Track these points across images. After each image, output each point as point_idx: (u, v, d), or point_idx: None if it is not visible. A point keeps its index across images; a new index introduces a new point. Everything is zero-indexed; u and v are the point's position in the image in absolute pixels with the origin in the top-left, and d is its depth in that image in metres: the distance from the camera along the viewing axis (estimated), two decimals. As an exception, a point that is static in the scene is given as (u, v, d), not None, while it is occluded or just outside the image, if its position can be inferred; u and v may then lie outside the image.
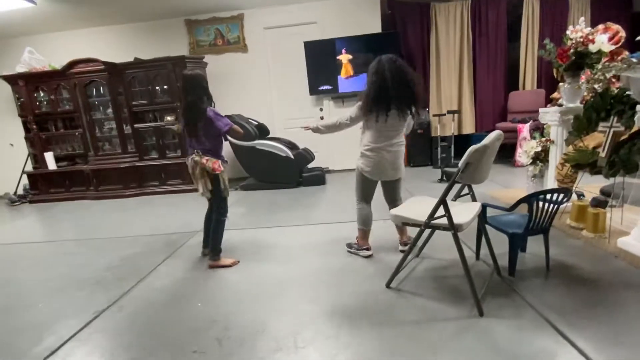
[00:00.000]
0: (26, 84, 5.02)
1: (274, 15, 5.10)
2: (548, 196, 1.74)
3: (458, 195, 1.90)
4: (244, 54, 5.28)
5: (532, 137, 3.87)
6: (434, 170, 4.85)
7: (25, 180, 5.42)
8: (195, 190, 2.38)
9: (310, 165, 4.94)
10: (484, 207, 1.90)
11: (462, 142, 5.50)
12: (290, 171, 4.68)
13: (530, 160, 2.93)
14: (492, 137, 1.54)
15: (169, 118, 5.00)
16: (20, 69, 5.00)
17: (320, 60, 4.98)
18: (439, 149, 5.04)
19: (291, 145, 4.90)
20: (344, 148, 5.26)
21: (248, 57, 5.28)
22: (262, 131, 4.91)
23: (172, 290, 2.12)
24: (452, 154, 5.03)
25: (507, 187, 3.73)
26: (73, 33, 5.32)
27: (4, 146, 5.73)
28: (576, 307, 1.60)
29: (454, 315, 1.60)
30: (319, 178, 4.77)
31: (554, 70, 3.85)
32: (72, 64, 4.82)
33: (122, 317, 1.85)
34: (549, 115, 2.79)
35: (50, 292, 2.25)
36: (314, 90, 5.14)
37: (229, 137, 2.47)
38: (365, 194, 2.29)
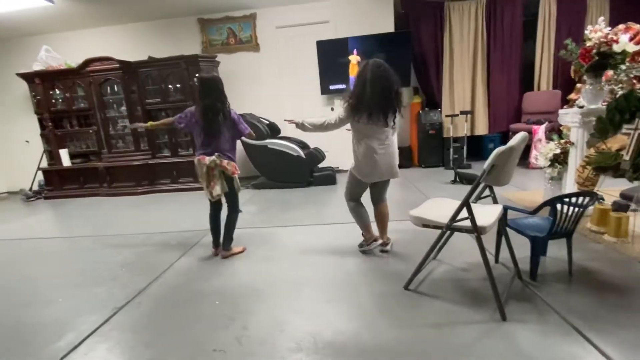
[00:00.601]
0: (42, 82, 5.10)
1: (287, 15, 5.10)
2: (573, 199, 1.70)
3: (478, 197, 1.87)
4: (256, 53, 5.30)
5: (549, 139, 3.81)
6: (446, 172, 4.80)
7: (40, 176, 5.51)
8: (201, 189, 2.44)
9: (320, 165, 4.93)
10: (505, 209, 1.87)
11: (475, 143, 5.45)
12: (301, 170, 4.67)
13: (549, 163, 2.87)
14: (518, 139, 1.51)
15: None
16: (37, 67, 5.08)
17: (333, 60, 4.97)
18: (451, 149, 4.99)
19: (302, 145, 4.90)
20: (355, 148, 5.25)
21: (260, 56, 5.29)
22: (273, 130, 4.91)
23: (189, 287, 2.13)
24: (465, 155, 4.98)
25: (522, 189, 3.67)
26: (89, 32, 5.39)
27: (20, 143, 5.84)
28: (601, 312, 1.57)
29: (476, 319, 1.58)
30: (329, 178, 4.76)
31: (572, 71, 3.78)
32: (88, 62, 4.88)
33: (140, 314, 1.87)
34: (569, 117, 2.74)
35: (68, 288, 2.28)
36: (325, 89, 5.13)
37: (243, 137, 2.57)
38: (356, 194, 2.36)
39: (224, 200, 2.50)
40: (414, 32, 5.05)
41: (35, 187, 5.58)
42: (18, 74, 5.15)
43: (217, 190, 2.36)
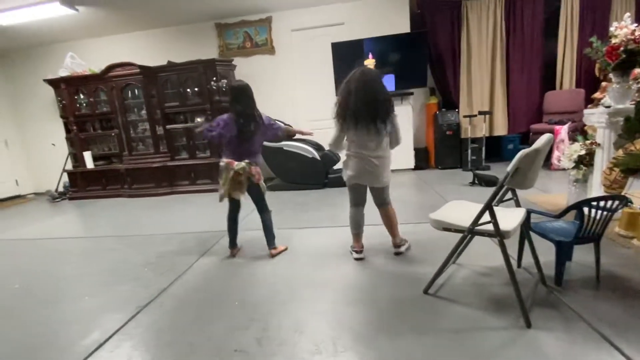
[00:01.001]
0: (67, 87, 5.32)
1: (302, 17, 5.13)
2: (601, 203, 1.64)
3: (500, 200, 1.83)
4: (272, 56, 5.35)
5: (572, 140, 3.69)
6: (464, 173, 4.72)
7: (65, 178, 5.73)
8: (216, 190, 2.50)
9: (335, 167, 4.93)
10: (529, 213, 1.82)
11: (494, 143, 5.34)
12: (316, 172, 4.69)
13: (573, 164, 2.78)
14: (543, 141, 1.47)
15: (198, 119, 5.13)
16: (63, 73, 5.30)
17: (348, 61, 4.91)
18: (469, 150, 4.90)
19: (317, 147, 4.91)
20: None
21: (275, 59, 5.34)
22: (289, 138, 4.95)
23: (209, 288, 2.17)
24: (483, 156, 4.88)
25: (544, 191, 3.57)
26: (111, 38, 5.58)
27: (47, 146, 6.09)
28: (632, 321, 1.50)
29: (499, 326, 1.54)
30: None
31: (596, 69, 3.65)
32: (110, 67, 5.05)
33: (163, 313, 1.91)
34: (594, 117, 2.64)
35: (94, 286, 2.36)
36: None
37: None
38: (353, 199, 2.33)
39: (243, 201, 2.52)
40: (430, 32, 5.00)
41: (61, 189, 5.81)
42: (45, 80, 5.39)
43: (238, 195, 2.41)
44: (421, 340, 1.49)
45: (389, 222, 2.34)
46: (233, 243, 2.62)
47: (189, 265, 2.53)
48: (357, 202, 2.33)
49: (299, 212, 3.69)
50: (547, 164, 4.49)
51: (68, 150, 5.73)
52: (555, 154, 4.35)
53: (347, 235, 2.84)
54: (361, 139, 2.13)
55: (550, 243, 1.81)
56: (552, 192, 3.51)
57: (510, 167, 1.44)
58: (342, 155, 2.31)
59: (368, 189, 2.32)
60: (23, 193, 6.17)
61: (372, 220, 2.52)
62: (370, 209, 2.38)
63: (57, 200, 5.58)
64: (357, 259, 2.34)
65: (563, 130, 4.24)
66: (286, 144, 4.64)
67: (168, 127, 5.16)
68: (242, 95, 2.37)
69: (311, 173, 4.66)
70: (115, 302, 2.08)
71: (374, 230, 2.89)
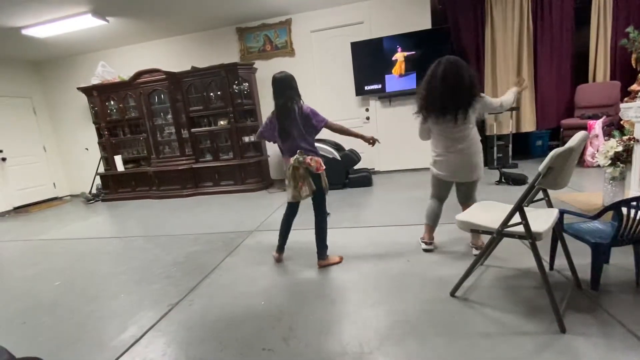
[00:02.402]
0: (99, 95, 5.59)
1: (321, 18, 5.15)
2: (642, 203, 1.55)
3: (531, 200, 1.77)
4: (291, 58, 5.40)
5: (608, 135, 3.51)
6: (490, 172, 4.57)
7: (98, 180, 6.04)
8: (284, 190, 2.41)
9: (356, 167, 4.92)
10: (562, 213, 1.75)
11: (521, 140, 5.15)
12: (337, 172, 4.69)
13: (609, 162, 2.64)
14: (578, 139, 1.41)
15: (222, 122, 5.26)
16: (95, 81, 5.58)
17: (367, 60, 4.94)
18: (495, 148, 4.75)
19: (337, 147, 4.91)
20: (390, 149, 5.18)
21: (295, 60, 5.38)
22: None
23: (235, 287, 2.22)
24: (510, 153, 4.72)
25: (577, 190, 3.41)
26: (138, 46, 5.81)
27: (81, 151, 6.43)
28: (679, 329, 1.42)
29: (531, 330, 1.50)
30: (365, 179, 4.73)
31: (633, 60, 3.46)
32: (138, 74, 5.27)
33: (193, 311, 1.99)
34: (632, 111, 2.50)
35: (127, 284, 2.48)
36: (360, 90, 5.11)
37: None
38: (435, 192, 2.34)
39: (303, 202, 2.37)
40: (452, 28, 4.88)
41: (94, 191, 6.12)
42: (79, 88, 5.69)
43: (306, 190, 2.25)
44: (450, 344, 1.47)
45: None
46: (281, 248, 2.49)
47: (215, 264, 2.60)
48: (439, 197, 2.33)
49: (320, 212, 3.70)
50: (580, 160, 4.29)
51: (100, 155, 6.03)
52: (589, 150, 4.14)
53: (371, 235, 2.84)
54: (447, 131, 2.08)
55: (585, 245, 1.73)
56: (586, 191, 3.34)
57: (542, 166, 1.39)
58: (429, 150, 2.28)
59: (454, 185, 2.27)
60: (60, 195, 6.55)
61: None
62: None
63: (91, 202, 5.88)
64: (425, 250, 2.37)
65: (597, 125, 4.03)
66: (307, 145, 4.66)
67: (193, 130, 5.32)
68: (285, 87, 2.23)
69: (331, 173, 4.64)
70: (148, 300, 2.17)
71: (398, 229, 2.88)
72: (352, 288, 2.05)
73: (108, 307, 2.16)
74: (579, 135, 1.44)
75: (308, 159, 2.22)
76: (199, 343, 1.69)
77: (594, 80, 4.70)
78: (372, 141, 2.41)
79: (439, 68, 2.01)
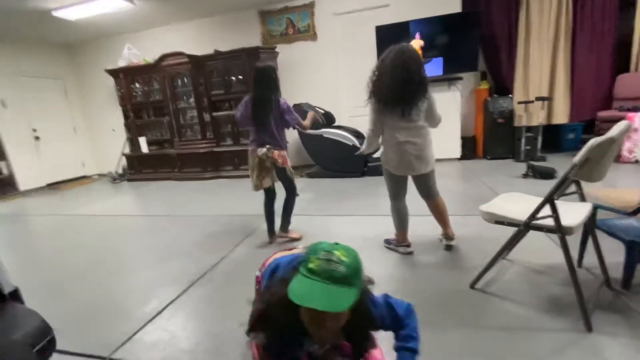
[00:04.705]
0: (125, 77, 5.72)
1: (345, 1, 5.01)
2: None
3: (562, 193, 1.68)
4: (313, 42, 5.31)
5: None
6: (516, 164, 4.40)
7: (124, 161, 6.25)
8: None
9: (375, 155, 4.84)
10: (595, 208, 1.66)
11: (551, 132, 4.89)
12: (356, 160, 4.64)
13: (650, 156, 2.47)
14: (621, 128, 1.31)
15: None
16: (121, 63, 5.70)
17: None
18: (523, 140, 4.54)
19: (357, 134, 4.84)
20: (412, 137, 5.06)
21: (317, 45, 5.30)
22: (328, 119, 4.92)
23: (253, 267, 2.20)
24: (539, 146, 4.50)
25: (611, 185, 3.22)
26: (163, 29, 5.87)
27: (108, 131, 6.66)
28: None
29: (555, 327, 1.44)
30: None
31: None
32: (162, 57, 5.34)
33: (212, 288, 2.04)
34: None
35: (151, 260, 2.57)
36: (383, 77, 4.97)
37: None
38: (393, 191, 2.19)
39: (279, 188, 2.57)
40: (483, 11, 4.63)
41: (120, 171, 6.35)
42: (106, 70, 5.84)
43: (267, 182, 2.46)
44: (469, 337, 1.44)
45: (441, 214, 2.20)
46: (271, 231, 2.63)
47: (235, 244, 2.66)
48: (398, 194, 2.20)
49: (337, 199, 3.69)
50: (616, 155, 4.04)
51: (126, 136, 6.22)
52: (627, 144, 3.90)
53: (388, 224, 2.80)
54: (397, 123, 2.00)
55: (617, 243, 1.64)
56: (621, 187, 3.16)
57: (578, 157, 1.31)
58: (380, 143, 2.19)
59: (410, 179, 2.20)
60: (88, 174, 6.84)
61: (417, 210, 2.44)
62: (411, 197, 2.30)
63: (117, 181, 6.11)
64: (404, 254, 2.24)
65: (637, 118, 3.77)
66: (326, 131, 4.63)
67: (214, 114, 5.38)
68: (264, 78, 2.33)
69: (351, 161, 4.62)
70: (170, 276, 2.25)
71: (418, 220, 2.83)
72: (372, 276, 2.03)
73: (131, 280, 2.25)
74: (621, 124, 1.34)
75: (276, 154, 2.36)
76: (217, 319, 1.74)
77: (636, 70, 4.37)
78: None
79: (388, 58, 1.90)
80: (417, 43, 4.63)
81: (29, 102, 5.83)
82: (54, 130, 6.22)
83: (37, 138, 5.93)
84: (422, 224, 2.68)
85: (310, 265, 0.83)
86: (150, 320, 1.77)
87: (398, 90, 1.89)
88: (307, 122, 2.62)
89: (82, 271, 2.48)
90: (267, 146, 2.38)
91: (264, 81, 2.34)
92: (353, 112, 5.31)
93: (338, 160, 4.68)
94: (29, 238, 3.55)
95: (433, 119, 2.06)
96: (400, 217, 2.22)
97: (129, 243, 3.05)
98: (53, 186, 6.07)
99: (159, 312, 1.83)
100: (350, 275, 0.83)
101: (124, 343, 1.61)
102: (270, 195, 2.63)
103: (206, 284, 2.10)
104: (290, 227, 2.66)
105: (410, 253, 2.24)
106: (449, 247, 2.23)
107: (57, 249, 3.03)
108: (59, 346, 1.17)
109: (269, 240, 2.64)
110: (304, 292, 0.80)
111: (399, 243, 2.28)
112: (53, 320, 1.18)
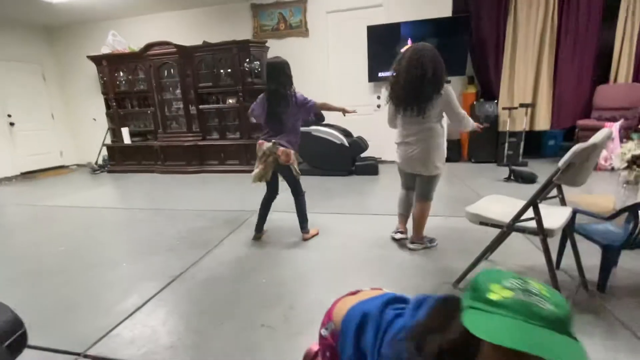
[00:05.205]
0: (109, 64, 5.53)
1: (338, -1, 5.00)
2: (660, 207, 1.51)
3: (544, 197, 1.73)
4: (305, 39, 5.28)
5: (625, 138, 3.42)
6: (499, 168, 4.51)
7: (104, 151, 6.04)
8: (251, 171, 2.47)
9: (363, 155, 4.87)
10: (575, 212, 1.71)
11: (533, 139, 5.04)
12: (344, 159, 4.65)
13: (625, 164, 2.58)
14: (602, 135, 1.36)
15: (230, 101, 5.20)
16: (105, 50, 5.51)
17: (383, 46, 4.80)
18: (506, 145, 4.66)
19: (346, 133, 4.85)
20: (400, 138, 5.10)
21: (309, 41, 5.27)
22: (317, 117, 4.91)
23: (237, 264, 2.23)
24: (521, 151, 4.64)
25: (588, 192, 3.34)
26: (150, 17, 5.71)
27: (89, 121, 6.42)
28: (685, 335, 1.40)
29: (534, 326, 1.48)
30: (372, 168, 4.68)
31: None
32: (149, 46, 5.18)
33: (194, 285, 2.00)
34: (656, 113, 2.42)
35: (131, 254, 2.49)
36: (373, 76, 5.00)
37: None
38: (401, 181, 2.36)
39: (282, 186, 2.51)
40: (473, 17, 4.72)
41: (100, 162, 6.14)
42: (89, 57, 5.62)
43: (268, 176, 2.39)
44: (449, 334, 1.46)
45: (419, 218, 2.23)
46: (260, 227, 2.57)
47: (219, 240, 2.61)
48: (405, 185, 2.34)
49: (325, 197, 3.69)
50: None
51: (108, 126, 6.01)
52: (604, 153, 4.05)
53: (375, 222, 2.82)
54: (405, 121, 2.08)
55: (593, 246, 1.70)
56: (596, 193, 3.28)
57: (562, 162, 1.35)
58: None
59: None
60: (67, 164, 6.58)
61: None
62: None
63: (97, 172, 5.91)
64: (395, 239, 2.35)
65: (614, 128, 3.92)
66: (315, 129, 4.62)
67: (201, 107, 5.27)
68: (276, 73, 2.28)
69: (339, 159, 4.63)
70: (151, 271, 2.19)
71: (389, 219, 2.85)
72: (356, 272, 2.04)
73: (110, 274, 2.18)
74: (603, 132, 1.39)
75: (280, 150, 2.30)
76: (199, 315, 1.70)
77: (615, 81, 4.55)
78: (348, 112, 2.52)
79: (405, 58, 1.95)
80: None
81: (3, 86, 5.55)
82: (30, 117, 5.95)
83: (11, 124, 5.66)
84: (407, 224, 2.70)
85: (493, 296, 0.57)
86: (129, 316, 1.71)
87: (411, 88, 1.93)
88: (320, 102, 2.49)
89: (58, 264, 2.38)
90: (274, 141, 2.31)
91: (277, 76, 2.27)
92: (343, 110, 5.30)
93: (326, 158, 4.67)
94: (1, 229, 3.39)
95: (456, 117, 2.04)
96: (398, 204, 2.37)
97: (109, 236, 2.95)
98: (28, 175, 5.82)
99: (139, 307, 1.78)
100: (566, 317, 0.55)
101: (101, 339, 1.55)
102: (270, 190, 2.54)
103: (189, 280, 2.05)
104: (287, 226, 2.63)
105: (401, 240, 2.34)
106: (411, 250, 2.25)
107: (31, 240, 2.90)
108: (31, 342, 1.11)
109: (254, 236, 2.58)
110: (513, 335, 0.53)
111: (397, 228, 2.39)
112: (25, 314, 1.12)
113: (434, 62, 1.91)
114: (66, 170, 6.30)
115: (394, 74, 2.03)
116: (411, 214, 2.30)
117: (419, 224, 2.23)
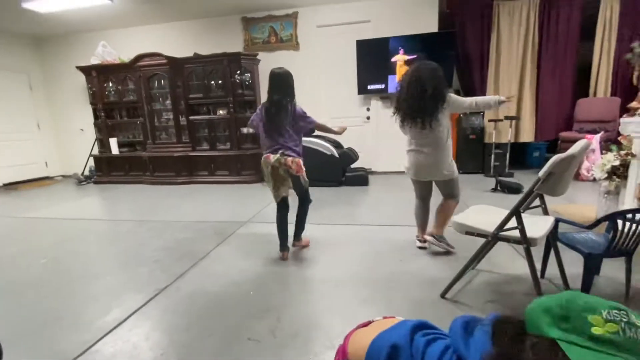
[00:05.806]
0: (98, 75, 5.50)
1: (328, 14, 5.11)
2: (637, 216, 1.55)
3: (527, 207, 1.77)
4: (296, 52, 5.36)
5: (605, 150, 3.53)
6: (485, 179, 4.60)
7: (91, 162, 5.94)
8: (260, 181, 2.44)
9: (353, 165, 4.90)
10: (557, 221, 1.75)
11: (518, 150, 5.18)
12: (334, 170, 4.67)
13: (605, 175, 2.65)
14: (580, 146, 1.41)
15: (221, 112, 5.21)
16: (94, 60, 5.48)
17: (372, 60, 4.92)
18: (493, 156, 4.77)
19: (336, 144, 4.89)
20: (388, 150, 5.17)
21: (299, 55, 5.35)
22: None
23: (225, 276, 2.20)
24: (507, 162, 4.74)
25: (571, 201, 3.43)
26: (141, 29, 5.72)
27: (76, 131, 6.33)
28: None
29: (520, 335, 1.49)
30: (362, 179, 4.72)
31: (634, 77, 3.48)
32: (139, 57, 5.19)
33: (180, 297, 1.95)
34: (632, 126, 2.51)
35: (115, 266, 2.44)
36: (362, 89, 5.09)
37: None
38: (415, 191, 2.42)
39: (291, 201, 2.45)
40: (459, 33, 4.88)
41: (87, 172, 6.03)
42: (78, 67, 5.59)
43: (285, 191, 2.33)
44: (437, 344, 1.46)
45: (441, 214, 2.34)
46: (284, 245, 2.41)
47: (206, 252, 2.57)
48: (419, 195, 2.40)
49: (315, 208, 3.66)
50: (575, 173, 4.31)
51: (95, 136, 5.94)
52: (585, 164, 4.17)
53: (364, 233, 2.83)
54: (414, 133, 2.17)
55: (576, 255, 1.73)
56: (579, 203, 3.37)
57: (542, 171, 1.39)
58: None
59: (433, 182, 2.34)
60: (52, 175, 6.44)
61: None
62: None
63: (83, 183, 5.79)
64: (418, 247, 2.42)
65: (594, 140, 4.06)
66: (305, 140, 4.62)
67: (191, 118, 5.26)
68: (280, 83, 2.25)
69: (329, 170, 4.65)
70: (135, 283, 2.14)
71: (391, 229, 2.87)
72: (343, 284, 2.03)
73: (93, 288, 2.12)
74: (581, 143, 1.44)
75: (289, 160, 2.24)
76: (184, 329, 1.66)
77: (594, 95, 4.74)
78: (344, 130, 2.59)
79: (407, 75, 2.12)
80: (401, 58, 4.79)
81: (-12, 96, 5.46)
82: (15, 127, 5.83)
83: (-5, 134, 5.54)
84: (395, 233, 2.73)
85: (597, 331, 0.49)
86: (111, 330, 1.66)
87: (413, 103, 2.06)
88: (320, 123, 2.47)
89: (37, 277, 2.30)
90: (281, 151, 2.25)
91: (281, 86, 2.25)
92: (333, 122, 5.33)
93: (316, 169, 4.67)
94: (-21, 241, 3.27)
95: (470, 109, 2.17)
96: (415, 214, 2.45)
97: (92, 248, 2.88)
98: (10, 186, 5.66)
99: (121, 323, 1.73)
100: None
101: (81, 355, 1.50)
102: (281, 206, 2.43)
103: (174, 293, 2.01)
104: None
105: (421, 248, 2.42)
106: (421, 248, 2.41)
107: (11, 253, 2.80)
108: (7, 357, 1.07)
109: (281, 257, 2.40)
110: None
111: (417, 237, 2.47)
112: (2, 329, 1.08)
113: (433, 79, 2.04)
114: (51, 182, 6.16)
115: (399, 88, 2.17)
116: (437, 210, 2.39)
117: (441, 218, 2.33)
